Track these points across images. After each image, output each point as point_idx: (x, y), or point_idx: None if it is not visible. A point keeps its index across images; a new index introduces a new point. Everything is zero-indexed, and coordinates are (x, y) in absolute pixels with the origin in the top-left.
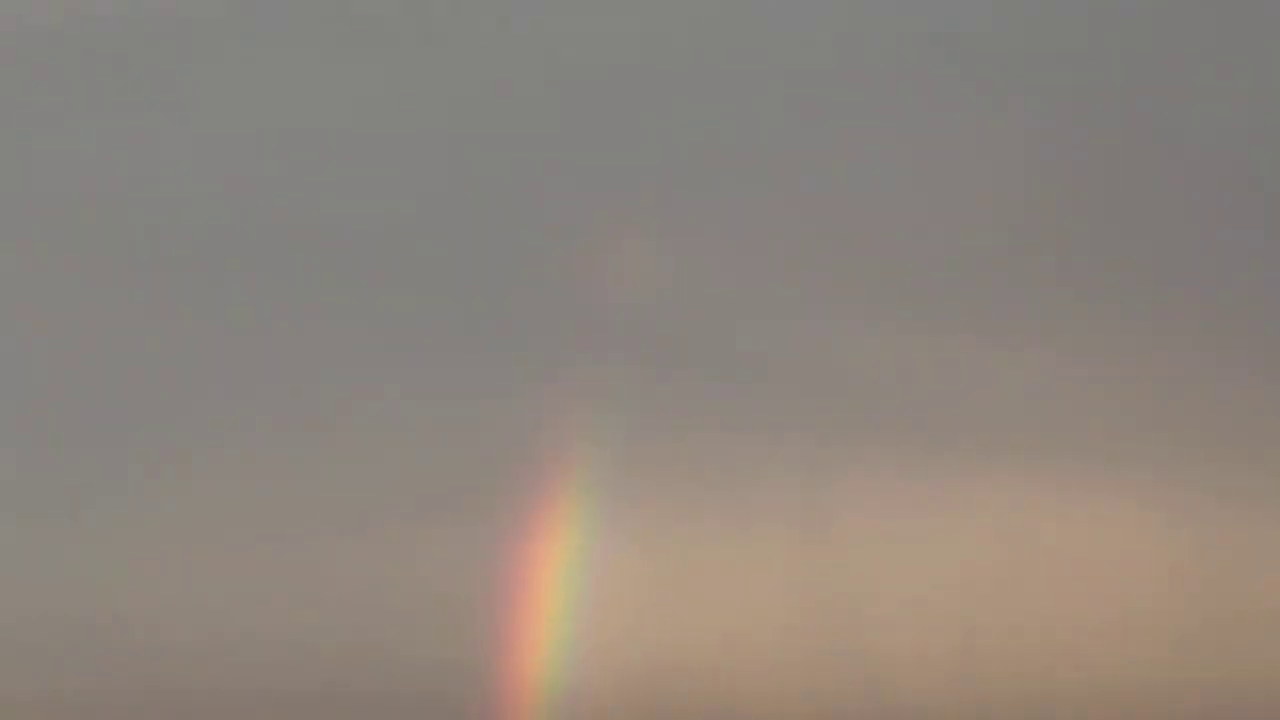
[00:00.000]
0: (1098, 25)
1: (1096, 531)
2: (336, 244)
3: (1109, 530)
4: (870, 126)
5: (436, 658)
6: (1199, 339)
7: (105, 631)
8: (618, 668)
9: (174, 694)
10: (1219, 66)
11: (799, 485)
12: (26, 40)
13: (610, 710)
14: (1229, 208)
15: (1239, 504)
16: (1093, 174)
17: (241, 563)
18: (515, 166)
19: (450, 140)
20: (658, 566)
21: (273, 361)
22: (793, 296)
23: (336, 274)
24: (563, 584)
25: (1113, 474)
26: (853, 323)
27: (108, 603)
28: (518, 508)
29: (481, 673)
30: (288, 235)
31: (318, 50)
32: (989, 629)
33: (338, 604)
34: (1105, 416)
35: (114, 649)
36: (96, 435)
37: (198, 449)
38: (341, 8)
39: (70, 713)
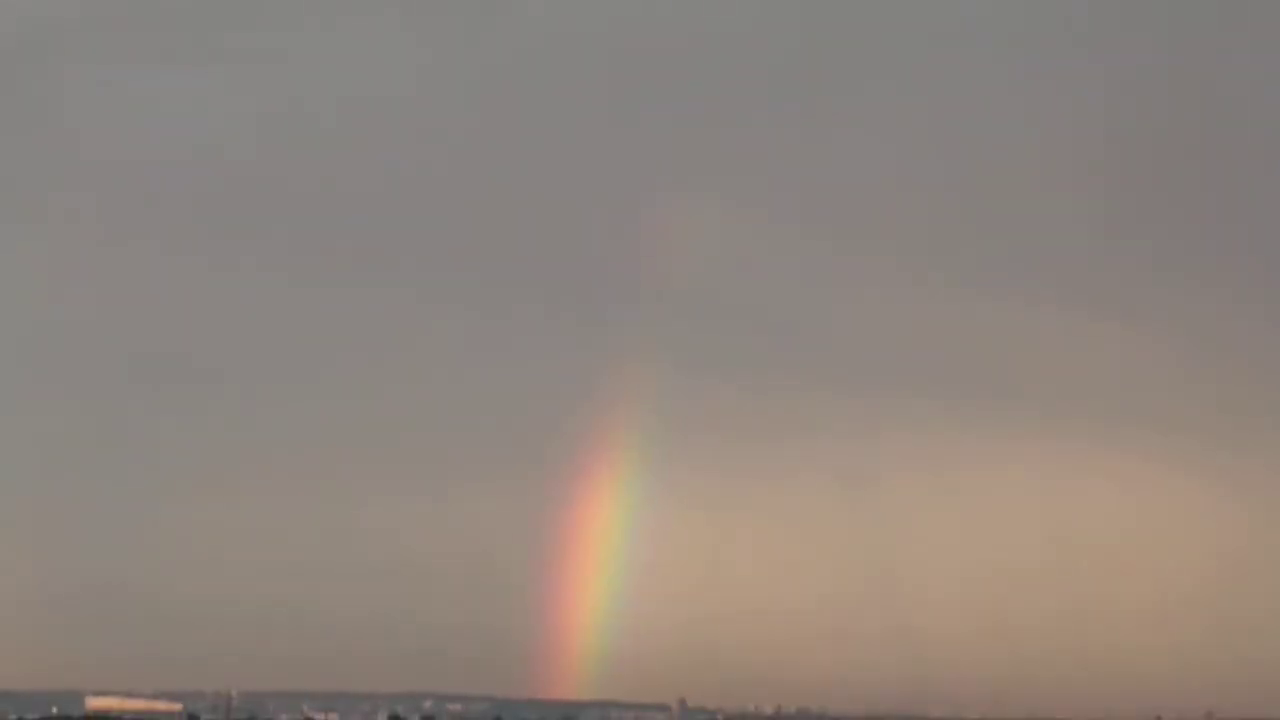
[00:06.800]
0: None
1: (1155, 500)
2: (383, 202)
3: (1168, 499)
4: (947, 93)
5: (481, 618)
6: (1271, 314)
7: (134, 592)
8: (667, 626)
9: (215, 653)
10: None
11: (853, 446)
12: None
13: (656, 667)
14: None
15: None
16: (1176, 149)
17: (274, 522)
18: (570, 124)
19: (503, 96)
20: (710, 528)
21: (326, 317)
22: (857, 259)
23: (383, 231)
24: (610, 546)
25: (1174, 443)
26: (917, 287)
27: (134, 564)
28: (565, 470)
29: (527, 634)
30: (333, 194)
31: (353, 14)
32: (1041, 591)
33: (380, 567)
34: (1170, 386)
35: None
36: (134, 389)
37: (248, 400)
38: None
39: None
